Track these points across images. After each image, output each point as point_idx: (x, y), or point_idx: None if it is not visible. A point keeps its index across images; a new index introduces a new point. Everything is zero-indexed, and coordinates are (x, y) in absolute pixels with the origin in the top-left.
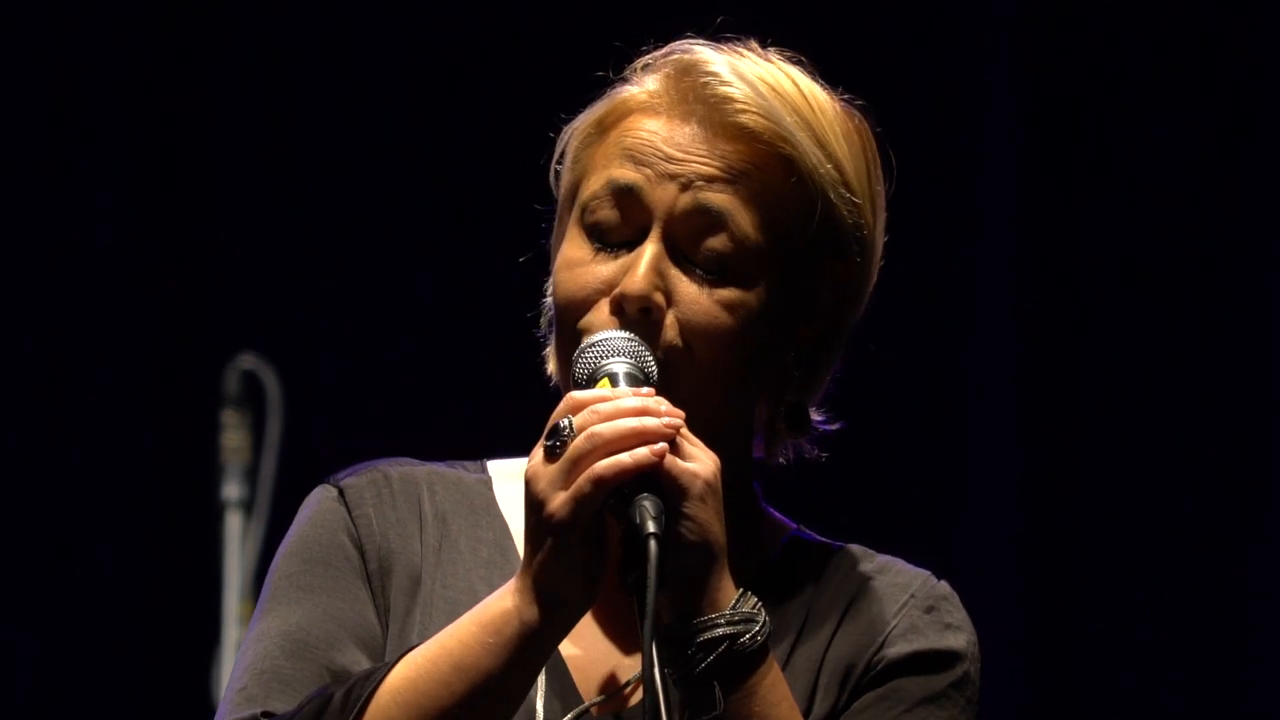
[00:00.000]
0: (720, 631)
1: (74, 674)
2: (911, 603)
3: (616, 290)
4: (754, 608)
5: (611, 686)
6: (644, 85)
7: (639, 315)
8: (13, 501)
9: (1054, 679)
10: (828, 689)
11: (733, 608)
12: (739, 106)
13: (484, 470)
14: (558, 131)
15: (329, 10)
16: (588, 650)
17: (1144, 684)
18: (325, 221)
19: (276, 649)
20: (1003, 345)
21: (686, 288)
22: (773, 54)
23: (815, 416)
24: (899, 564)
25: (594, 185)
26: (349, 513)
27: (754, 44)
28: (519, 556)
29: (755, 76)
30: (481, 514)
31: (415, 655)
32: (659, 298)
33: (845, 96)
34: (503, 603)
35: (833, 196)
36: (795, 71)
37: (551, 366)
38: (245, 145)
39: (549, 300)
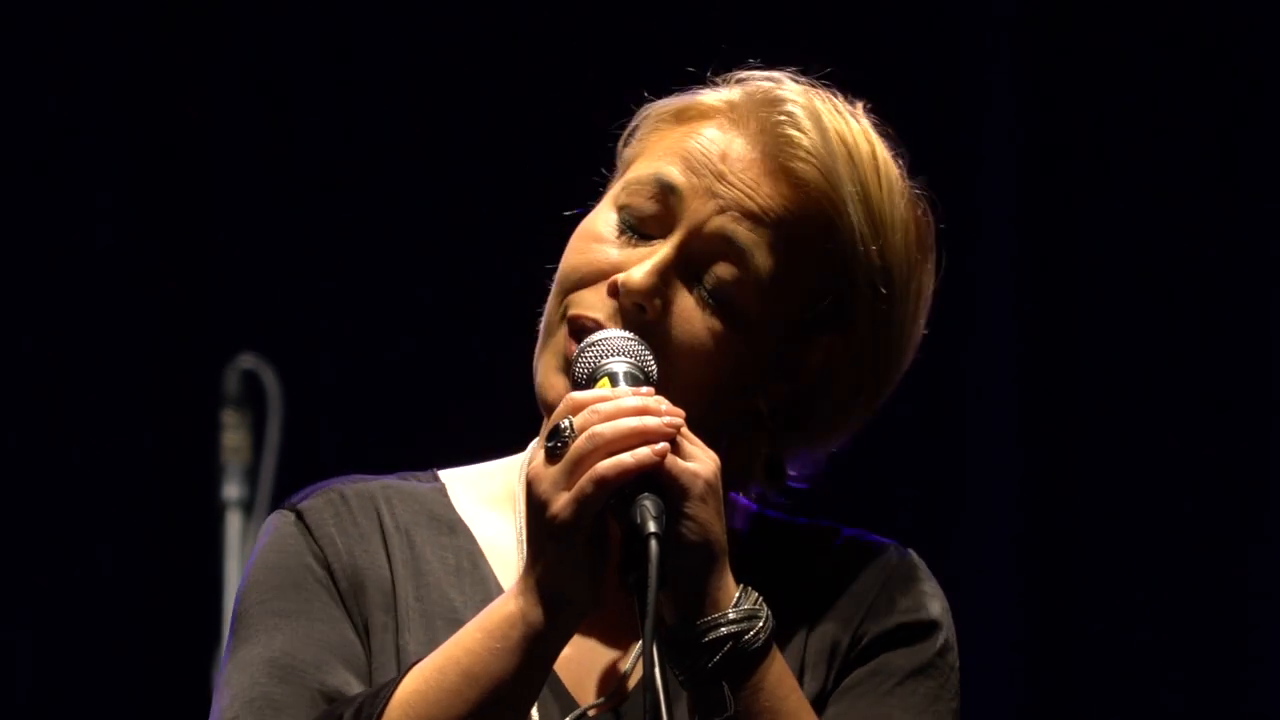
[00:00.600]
0: (725, 630)
1: (74, 674)
2: (887, 575)
3: (619, 275)
4: (756, 603)
5: (608, 687)
6: (725, 96)
7: (632, 309)
8: (13, 501)
9: (1054, 679)
10: (815, 668)
11: (735, 605)
12: (801, 153)
13: (435, 479)
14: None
15: (329, 10)
16: (582, 651)
17: (1144, 684)
18: (325, 221)
19: (264, 676)
20: (1003, 345)
21: (685, 302)
22: (861, 114)
23: (791, 471)
24: (867, 536)
25: (643, 171)
26: (311, 534)
27: (859, 104)
28: (487, 561)
29: (833, 131)
30: (442, 522)
31: (422, 667)
32: (657, 301)
33: (916, 186)
34: (506, 607)
35: (860, 277)
36: (877, 141)
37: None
38: (245, 145)
39: None
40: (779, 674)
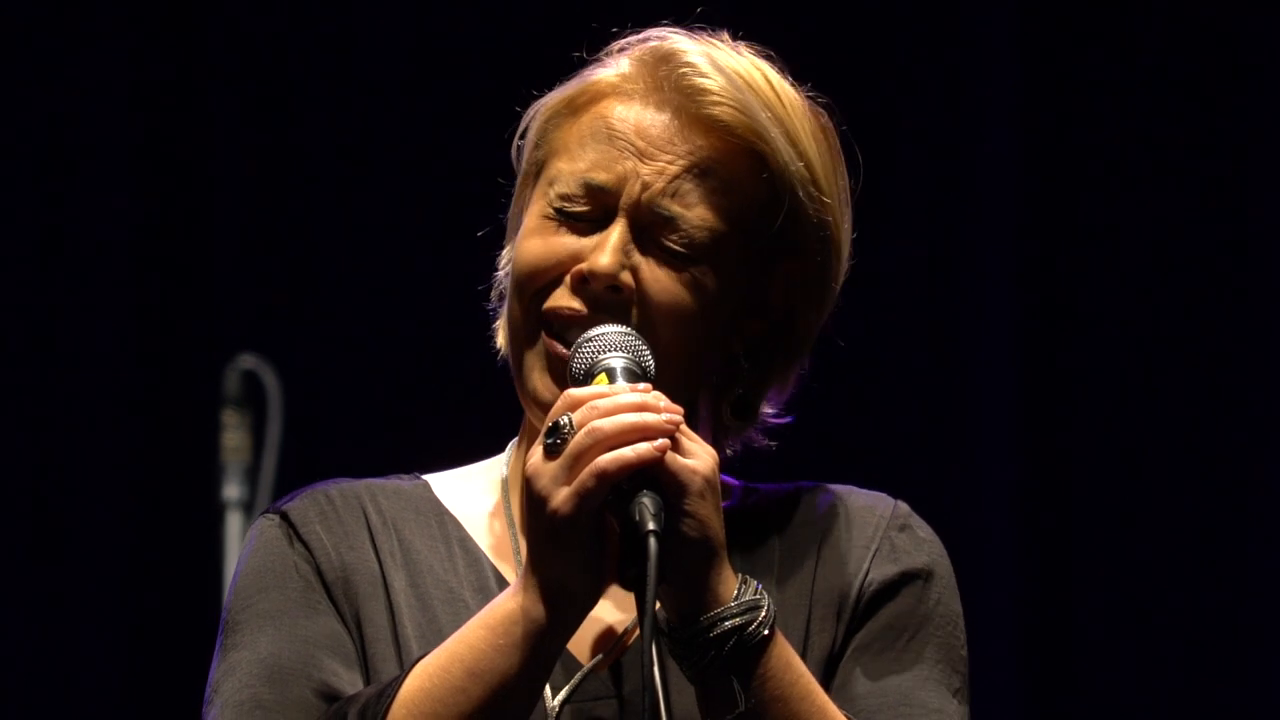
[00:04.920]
0: (729, 624)
1: (74, 673)
2: (884, 525)
3: (582, 266)
4: (756, 593)
5: (606, 644)
6: (618, 69)
7: (606, 293)
8: (12, 501)
9: (1053, 678)
10: (824, 621)
11: (736, 598)
12: (714, 99)
13: (418, 478)
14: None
15: (329, 11)
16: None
17: (1144, 683)
18: (325, 222)
19: (252, 678)
20: (1002, 345)
21: (651, 269)
22: (743, 47)
23: (766, 409)
24: (855, 490)
25: (564, 168)
26: (297, 533)
27: (725, 36)
28: (476, 544)
29: (731, 69)
30: (429, 515)
31: (425, 665)
32: (626, 277)
33: (811, 94)
34: (509, 603)
35: (801, 194)
36: (767, 67)
37: (501, 339)
38: (245, 145)
39: (501, 274)
40: (785, 659)
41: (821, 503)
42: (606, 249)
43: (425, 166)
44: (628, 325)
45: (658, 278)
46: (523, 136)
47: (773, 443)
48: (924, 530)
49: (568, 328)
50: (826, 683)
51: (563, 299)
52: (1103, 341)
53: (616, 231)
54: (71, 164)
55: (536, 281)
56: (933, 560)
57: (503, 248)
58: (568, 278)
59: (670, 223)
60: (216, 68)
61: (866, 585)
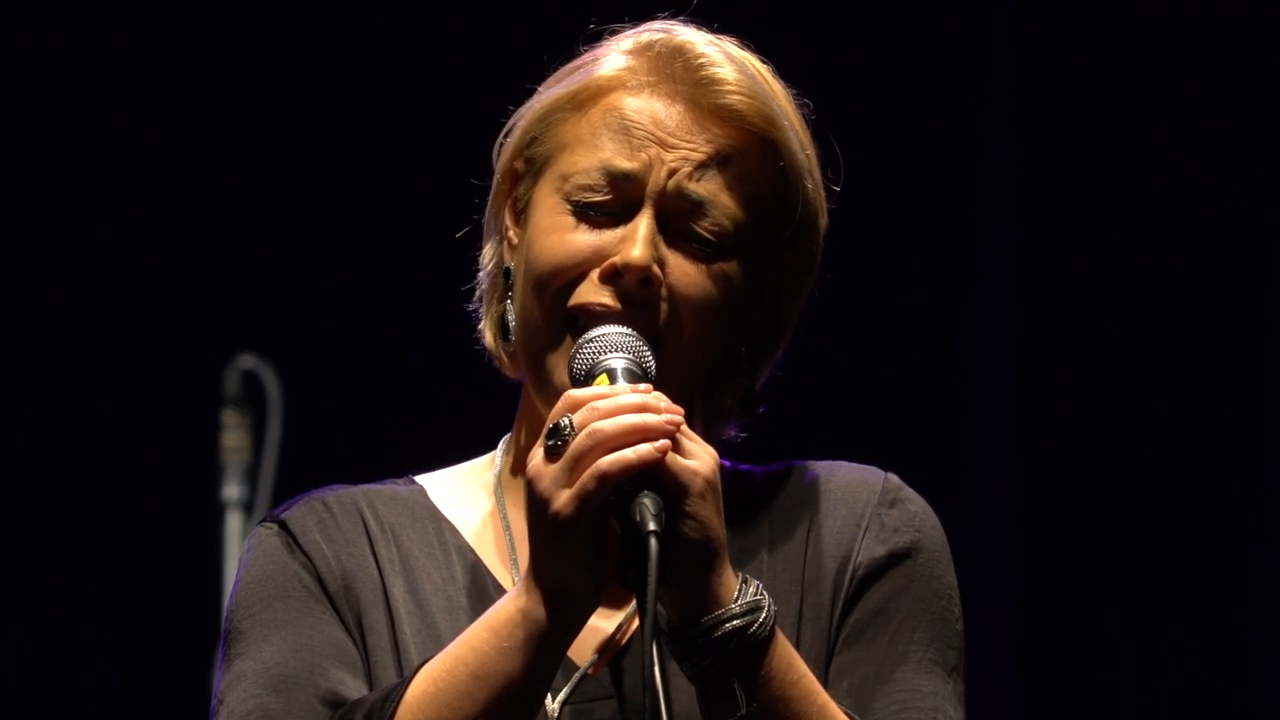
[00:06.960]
0: (730, 626)
1: (74, 674)
2: (873, 500)
3: (615, 260)
4: (757, 593)
5: (602, 644)
6: (621, 64)
7: (637, 287)
8: (12, 502)
9: (1053, 678)
10: (816, 607)
11: (737, 599)
12: (729, 88)
13: (413, 483)
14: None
15: (330, 10)
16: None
17: (1144, 683)
18: (325, 222)
19: (258, 687)
20: (1003, 345)
21: (679, 261)
22: (728, 40)
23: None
24: (844, 465)
25: (580, 160)
26: (296, 542)
27: (697, 29)
28: (473, 549)
29: (739, 58)
30: (425, 521)
31: (430, 668)
32: (657, 270)
33: (790, 87)
34: (511, 605)
35: (808, 183)
36: (756, 59)
37: (489, 339)
38: (246, 145)
39: (484, 274)
40: (787, 659)
41: (810, 481)
42: (638, 240)
43: (426, 166)
44: (656, 321)
45: (686, 271)
46: (508, 136)
47: (743, 434)
48: (914, 503)
49: (599, 323)
50: (821, 669)
51: (591, 295)
52: (1103, 342)
53: (645, 222)
54: (72, 164)
55: (559, 280)
56: (921, 535)
57: (480, 249)
58: (594, 273)
59: (700, 207)
60: (218, 67)
61: (856, 568)
